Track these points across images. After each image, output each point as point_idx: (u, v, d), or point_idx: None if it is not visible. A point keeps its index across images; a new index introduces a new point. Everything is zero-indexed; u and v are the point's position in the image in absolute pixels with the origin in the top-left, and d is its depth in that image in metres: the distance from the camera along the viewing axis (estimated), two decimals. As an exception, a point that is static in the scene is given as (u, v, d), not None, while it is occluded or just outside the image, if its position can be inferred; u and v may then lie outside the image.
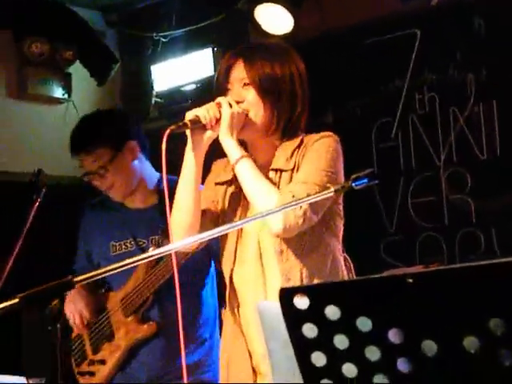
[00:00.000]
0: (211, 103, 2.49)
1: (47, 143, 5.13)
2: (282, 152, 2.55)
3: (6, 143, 5.00)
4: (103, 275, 1.90)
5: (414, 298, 1.26)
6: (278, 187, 2.47)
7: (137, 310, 3.33)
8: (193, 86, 4.98)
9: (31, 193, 3.10)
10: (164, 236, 3.12)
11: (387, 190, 4.36)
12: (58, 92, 5.18)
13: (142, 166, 3.40)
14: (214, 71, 4.56)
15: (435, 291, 1.24)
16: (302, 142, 2.54)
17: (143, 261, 2.00)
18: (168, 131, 2.36)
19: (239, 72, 2.54)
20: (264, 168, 2.51)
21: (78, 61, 5.13)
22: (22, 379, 2.54)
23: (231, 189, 2.62)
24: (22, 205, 3.11)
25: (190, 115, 2.46)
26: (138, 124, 3.57)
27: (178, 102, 5.02)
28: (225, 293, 2.61)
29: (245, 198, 2.55)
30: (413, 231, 4.34)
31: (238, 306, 2.57)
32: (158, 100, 5.18)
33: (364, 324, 1.30)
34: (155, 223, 3.27)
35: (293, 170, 2.50)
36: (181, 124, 2.43)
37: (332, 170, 2.46)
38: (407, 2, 4.27)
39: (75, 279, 1.76)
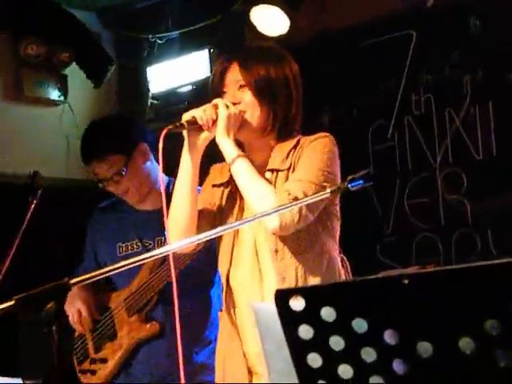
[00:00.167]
0: (208, 104, 2.50)
1: (43, 145, 5.12)
2: (278, 152, 2.56)
3: (2, 145, 4.99)
4: (99, 277, 1.89)
5: (409, 299, 1.26)
6: (275, 187, 2.48)
7: (140, 310, 3.33)
8: (189, 88, 4.98)
9: (27, 195, 3.10)
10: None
11: (383, 190, 4.36)
12: (54, 94, 5.16)
13: (154, 167, 3.39)
14: (210, 73, 4.53)
15: (431, 292, 1.25)
16: (298, 142, 2.56)
17: (140, 262, 1.99)
18: (165, 131, 2.39)
19: (234, 74, 2.55)
20: (260, 168, 2.52)
21: (74, 62, 5.13)
22: (19, 381, 2.53)
23: (228, 190, 2.63)
24: (18, 207, 3.11)
25: (186, 116, 2.48)
26: (144, 126, 3.57)
27: (175, 103, 5.01)
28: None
29: (241, 199, 2.56)
30: (409, 232, 4.34)
31: (235, 307, 2.58)
32: (155, 101, 5.16)
33: (360, 325, 1.30)
34: (162, 225, 3.27)
35: (289, 169, 2.51)
36: (178, 124, 2.45)
37: (328, 170, 2.47)
38: (407, 2, 4.27)
39: (71, 281, 1.76)
